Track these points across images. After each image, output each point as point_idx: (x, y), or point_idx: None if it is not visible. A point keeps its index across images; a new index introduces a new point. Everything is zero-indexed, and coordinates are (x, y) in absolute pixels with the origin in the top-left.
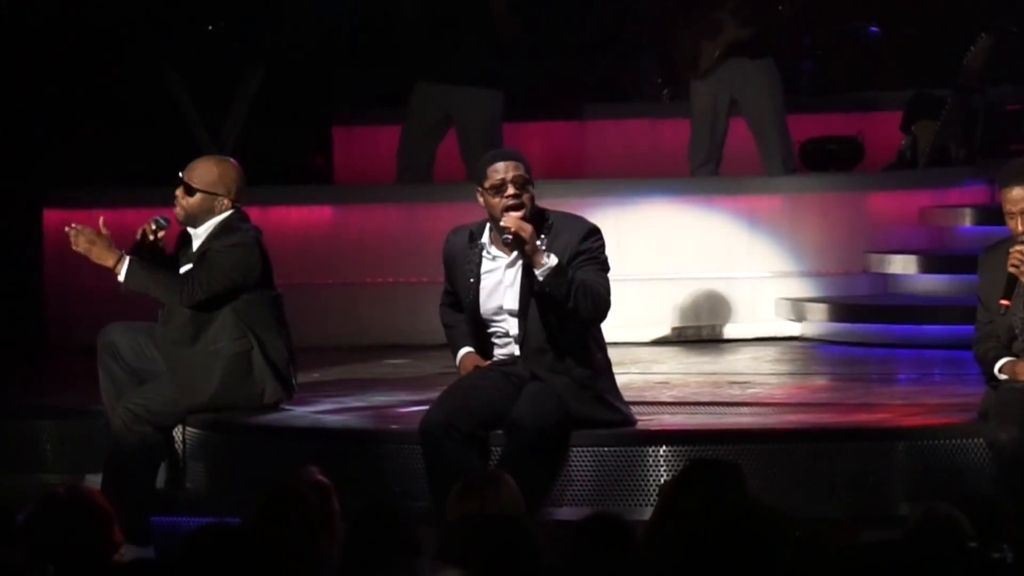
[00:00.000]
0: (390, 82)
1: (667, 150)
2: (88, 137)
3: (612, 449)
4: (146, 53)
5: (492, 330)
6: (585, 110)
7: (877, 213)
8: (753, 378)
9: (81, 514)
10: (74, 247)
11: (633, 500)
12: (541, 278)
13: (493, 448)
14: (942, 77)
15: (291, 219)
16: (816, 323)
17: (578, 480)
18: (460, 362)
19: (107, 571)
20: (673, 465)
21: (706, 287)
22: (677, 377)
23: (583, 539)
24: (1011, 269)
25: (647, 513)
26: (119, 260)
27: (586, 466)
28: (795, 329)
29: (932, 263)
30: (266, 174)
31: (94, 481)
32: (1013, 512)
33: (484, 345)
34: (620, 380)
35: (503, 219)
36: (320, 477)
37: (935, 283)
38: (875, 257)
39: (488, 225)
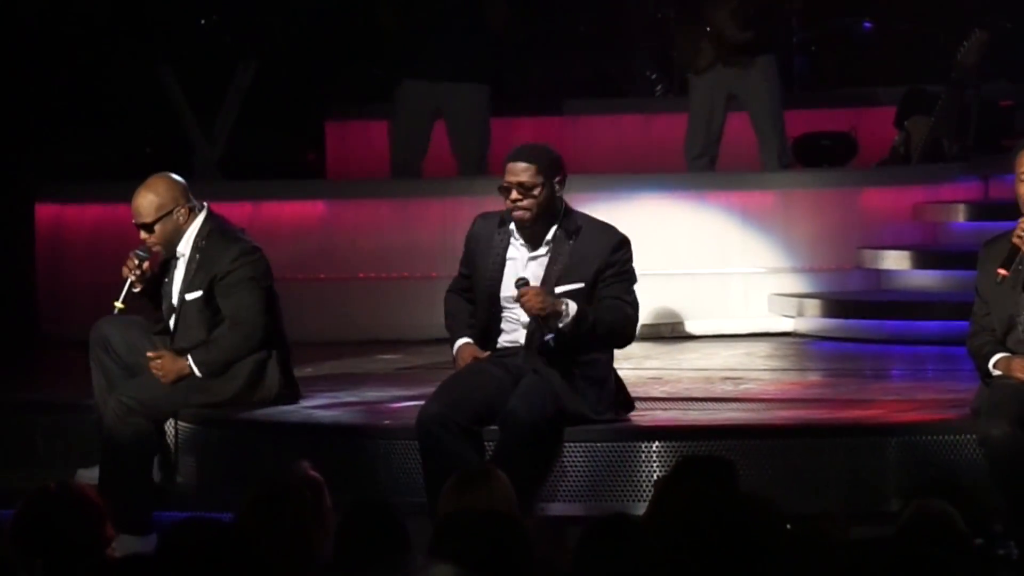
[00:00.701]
0: (382, 77)
1: (659, 145)
2: (80, 131)
3: (605, 445)
4: (138, 47)
5: (504, 315)
6: (576, 105)
7: (870, 209)
8: (746, 374)
9: (71, 509)
10: (163, 380)
11: (626, 496)
12: (563, 329)
13: (487, 444)
14: (935, 73)
15: (283, 214)
16: (809, 319)
17: (571, 476)
18: (457, 352)
19: (98, 566)
20: (666, 461)
21: (699, 283)
22: (670, 373)
23: (593, 540)
24: (1016, 240)
25: (640, 509)
26: (188, 365)
27: (579, 462)
28: (788, 325)
29: (925, 259)
30: (259, 169)
31: (86, 476)
32: (1005, 507)
33: (489, 331)
34: None
35: (518, 292)
36: (312, 472)
37: (928, 279)
38: (868, 253)
39: None
